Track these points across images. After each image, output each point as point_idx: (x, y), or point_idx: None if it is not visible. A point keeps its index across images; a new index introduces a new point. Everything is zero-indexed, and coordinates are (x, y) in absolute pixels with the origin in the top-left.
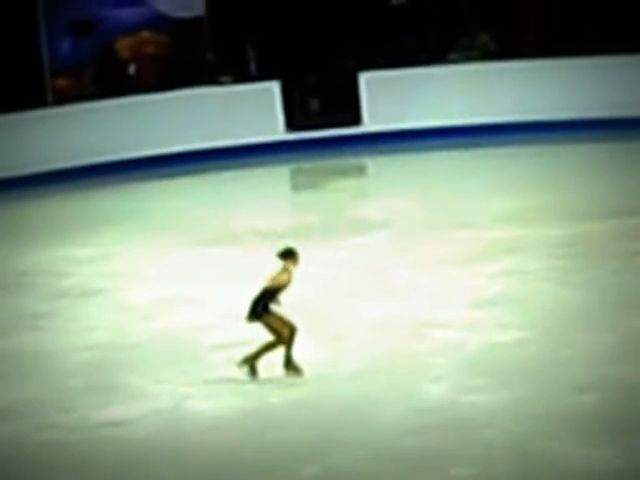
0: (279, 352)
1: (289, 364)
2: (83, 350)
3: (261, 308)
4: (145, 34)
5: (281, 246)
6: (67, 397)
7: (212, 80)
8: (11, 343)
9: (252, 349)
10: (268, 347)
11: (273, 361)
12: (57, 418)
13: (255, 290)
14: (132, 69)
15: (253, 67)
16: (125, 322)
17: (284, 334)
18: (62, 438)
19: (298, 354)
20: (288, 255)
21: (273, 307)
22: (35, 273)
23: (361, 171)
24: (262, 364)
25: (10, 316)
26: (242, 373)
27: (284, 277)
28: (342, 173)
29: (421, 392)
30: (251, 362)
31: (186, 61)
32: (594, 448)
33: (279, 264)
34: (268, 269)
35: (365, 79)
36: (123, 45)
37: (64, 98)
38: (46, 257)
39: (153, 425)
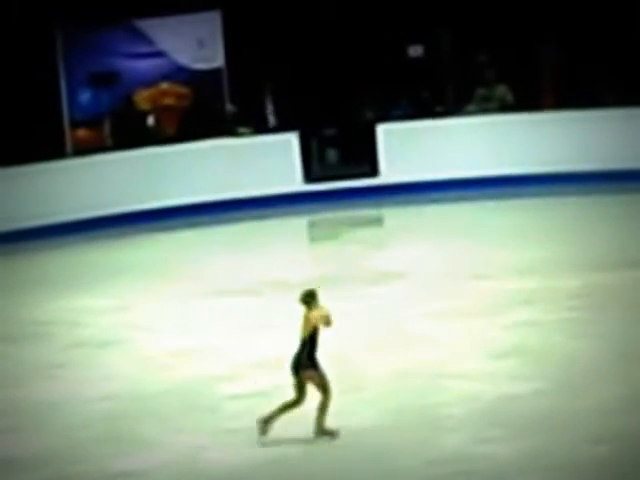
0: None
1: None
2: (99, 400)
3: (306, 358)
4: (164, 86)
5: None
6: (83, 447)
7: (231, 131)
8: (28, 393)
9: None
10: (323, 408)
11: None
12: (74, 469)
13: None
14: (151, 120)
15: (272, 118)
16: (141, 372)
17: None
18: None
19: (313, 405)
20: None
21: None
22: (52, 323)
23: (378, 222)
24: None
25: (27, 366)
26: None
27: (315, 314)
28: (359, 224)
29: (437, 443)
30: (323, 429)
31: (205, 112)
32: None
33: (303, 310)
34: (290, 320)
35: (383, 131)
36: (142, 97)
37: (83, 149)
38: (63, 307)
39: (169, 476)
